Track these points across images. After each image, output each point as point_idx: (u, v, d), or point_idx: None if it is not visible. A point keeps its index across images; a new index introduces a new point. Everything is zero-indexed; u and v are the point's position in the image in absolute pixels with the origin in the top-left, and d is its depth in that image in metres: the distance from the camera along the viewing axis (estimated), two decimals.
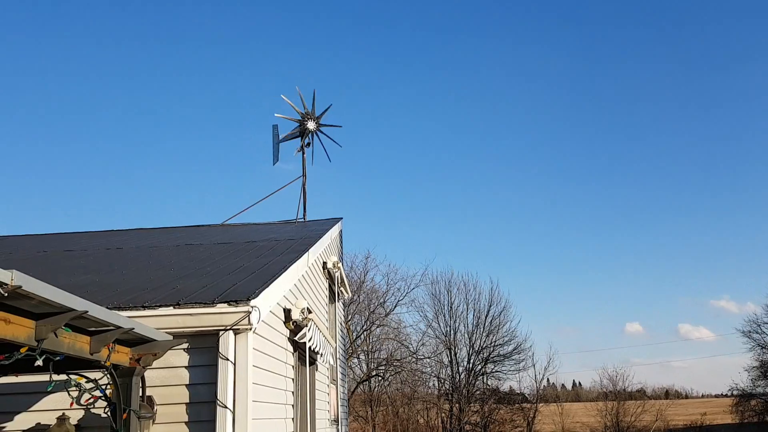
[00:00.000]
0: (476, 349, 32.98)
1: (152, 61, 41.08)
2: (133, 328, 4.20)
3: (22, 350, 3.33)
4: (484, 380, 33.33)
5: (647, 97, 49.45)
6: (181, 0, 40.38)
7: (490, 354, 32.86)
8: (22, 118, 39.67)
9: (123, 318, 4.17)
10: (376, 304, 31.24)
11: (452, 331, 33.34)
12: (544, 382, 38.98)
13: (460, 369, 33.18)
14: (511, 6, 45.18)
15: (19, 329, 3.42)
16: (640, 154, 50.13)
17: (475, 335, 33.11)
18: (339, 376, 13.05)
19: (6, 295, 3.07)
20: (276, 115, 16.20)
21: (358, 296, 29.88)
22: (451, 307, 33.60)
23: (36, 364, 3.48)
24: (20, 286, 3.06)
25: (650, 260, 52.24)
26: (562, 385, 58.47)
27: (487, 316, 33.03)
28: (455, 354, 33.27)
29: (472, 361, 33.02)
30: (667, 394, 60.38)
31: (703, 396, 71.49)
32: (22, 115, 39.19)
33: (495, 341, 32.89)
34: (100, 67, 39.92)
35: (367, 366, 31.92)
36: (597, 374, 42.12)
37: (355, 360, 30.96)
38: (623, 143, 49.36)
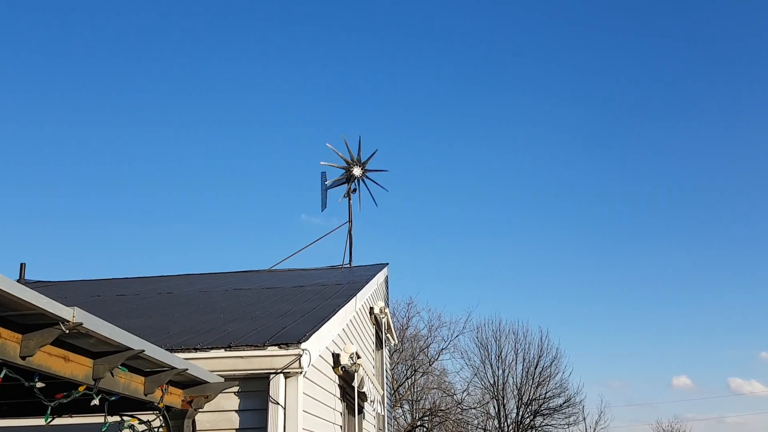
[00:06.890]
0: (525, 401, 31.91)
1: (197, 110, 42.24)
2: (187, 369, 4.18)
3: (81, 389, 3.33)
4: None
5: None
6: (226, 51, 41.44)
7: (539, 407, 31.73)
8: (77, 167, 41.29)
9: (177, 359, 4.16)
10: (418, 351, 30.76)
11: (500, 381, 32.41)
12: None
13: (509, 421, 32.11)
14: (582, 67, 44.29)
15: (77, 367, 3.43)
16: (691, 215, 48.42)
17: (524, 387, 32.08)
18: (386, 426, 12.76)
19: (67, 332, 3.09)
20: (322, 163, 16.48)
21: (401, 343, 29.47)
22: (499, 357, 32.74)
23: (92, 404, 3.47)
24: (81, 323, 3.09)
25: (696, 312, 50.16)
26: None
27: (536, 366, 32.02)
28: (503, 405, 32.26)
29: (520, 413, 31.94)
30: None
31: None
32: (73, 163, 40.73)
33: (545, 393, 31.79)
34: (157, 117, 41.30)
35: (412, 416, 31.21)
36: (651, 429, 39.99)
37: (400, 410, 30.34)
38: (680, 203, 47.76)
